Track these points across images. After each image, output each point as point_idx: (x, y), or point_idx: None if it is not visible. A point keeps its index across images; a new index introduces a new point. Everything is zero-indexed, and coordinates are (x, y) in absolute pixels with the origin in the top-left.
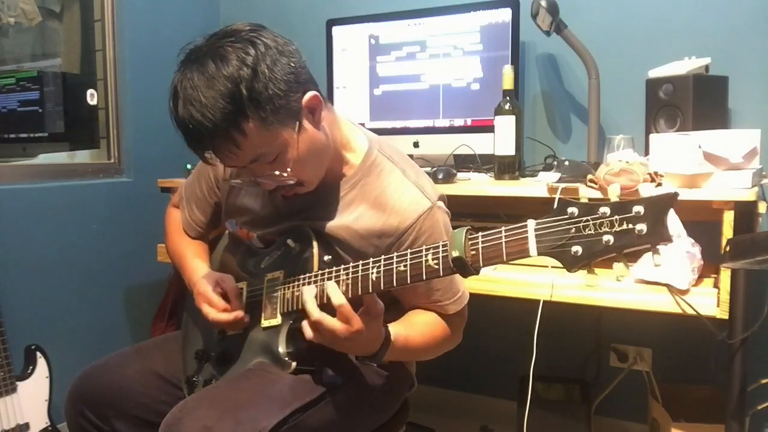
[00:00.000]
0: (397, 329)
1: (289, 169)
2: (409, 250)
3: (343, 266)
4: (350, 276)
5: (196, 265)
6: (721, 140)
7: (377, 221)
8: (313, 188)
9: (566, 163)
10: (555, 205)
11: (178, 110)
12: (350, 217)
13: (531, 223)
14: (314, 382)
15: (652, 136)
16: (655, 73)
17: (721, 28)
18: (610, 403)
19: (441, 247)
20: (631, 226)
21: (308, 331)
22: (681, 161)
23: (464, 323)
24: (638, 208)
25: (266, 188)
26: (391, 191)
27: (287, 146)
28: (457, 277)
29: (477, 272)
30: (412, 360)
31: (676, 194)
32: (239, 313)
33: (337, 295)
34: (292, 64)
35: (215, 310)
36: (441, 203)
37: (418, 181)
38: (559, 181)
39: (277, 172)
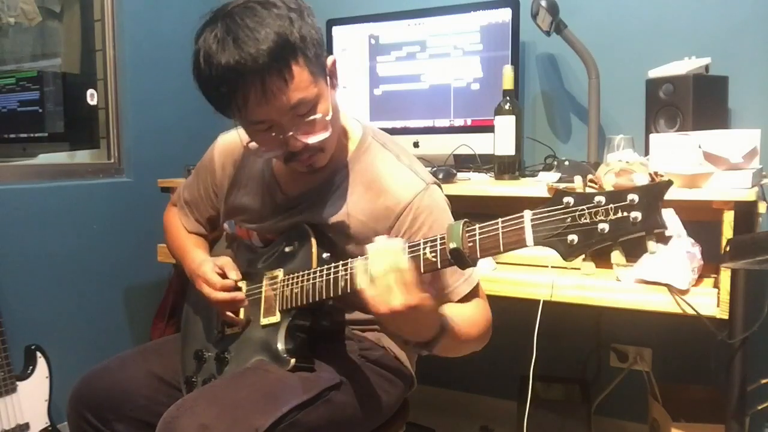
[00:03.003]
0: (448, 320)
1: (327, 116)
2: (407, 245)
3: (341, 262)
4: (349, 272)
5: (197, 255)
6: (721, 140)
7: (374, 205)
8: (325, 163)
9: (566, 163)
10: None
11: (214, 60)
12: (347, 204)
13: (527, 214)
14: (312, 381)
15: (652, 136)
16: (655, 73)
17: (721, 28)
18: (610, 403)
19: (438, 239)
20: (625, 214)
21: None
22: (681, 161)
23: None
24: (633, 197)
25: (293, 148)
26: (385, 174)
27: (321, 97)
28: None
29: (474, 264)
30: (453, 355)
31: (669, 182)
32: (237, 294)
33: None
34: (317, 25)
35: (213, 288)
36: (435, 186)
37: (411, 165)
38: (559, 181)
39: (311, 117)
